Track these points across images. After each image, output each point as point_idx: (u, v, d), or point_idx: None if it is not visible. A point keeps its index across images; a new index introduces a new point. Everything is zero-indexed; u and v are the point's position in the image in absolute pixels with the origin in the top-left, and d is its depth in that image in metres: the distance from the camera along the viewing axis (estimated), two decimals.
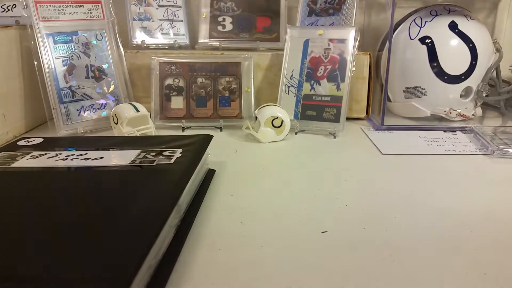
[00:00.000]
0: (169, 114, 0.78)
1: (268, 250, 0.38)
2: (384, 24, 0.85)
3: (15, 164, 0.46)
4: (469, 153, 0.63)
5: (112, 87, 0.79)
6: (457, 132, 0.74)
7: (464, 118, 0.78)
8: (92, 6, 0.77)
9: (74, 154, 0.49)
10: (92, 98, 0.76)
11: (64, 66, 0.73)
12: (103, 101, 0.78)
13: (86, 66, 0.76)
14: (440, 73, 0.74)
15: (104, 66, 0.78)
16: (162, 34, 0.89)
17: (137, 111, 0.70)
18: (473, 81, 0.75)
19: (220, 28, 0.89)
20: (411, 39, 0.76)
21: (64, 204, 0.37)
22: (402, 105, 0.81)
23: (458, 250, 0.38)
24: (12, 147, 0.53)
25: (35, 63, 0.71)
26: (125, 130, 0.69)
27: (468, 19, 0.75)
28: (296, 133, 0.74)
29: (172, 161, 0.47)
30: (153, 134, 0.71)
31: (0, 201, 0.38)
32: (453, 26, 0.74)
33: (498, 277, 0.34)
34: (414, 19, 0.77)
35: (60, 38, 0.73)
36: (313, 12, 0.85)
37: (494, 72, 0.79)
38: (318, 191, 0.51)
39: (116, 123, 0.70)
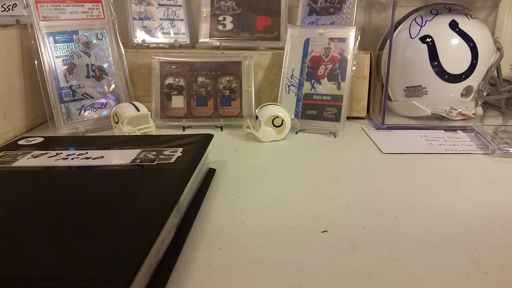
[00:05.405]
0: (170, 113, 0.78)
1: (269, 249, 0.38)
2: (385, 23, 0.85)
3: (15, 164, 0.46)
4: (470, 152, 0.63)
5: (113, 86, 0.79)
6: (457, 131, 0.74)
7: (464, 117, 0.78)
8: (93, 5, 0.77)
9: (74, 154, 0.49)
10: (92, 98, 0.76)
11: (64, 65, 0.73)
12: (103, 100, 0.78)
13: (87, 65, 0.76)
14: (441, 72, 0.74)
15: (104, 65, 0.78)
16: (163, 33, 0.89)
17: (138, 110, 0.70)
18: (474, 80, 0.75)
19: (220, 27, 0.89)
20: (411, 38, 0.76)
21: (64, 203, 0.37)
22: (403, 104, 0.81)
23: (458, 249, 0.38)
24: (13, 146, 0.53)
25: (36, 62, 0.71)
26: (126, 130, 0.69)
27: (468, 18, 0.75)
28: (296, 132, 0.74)
29: (172, 160, 0.47)
30: (154, 134, 0.71)
31: (0, 200, 0.38)
32: (453, 25, 0.74)
33: (498, 277, 0.34)
34: (415, 18, 0.77)
35: (61, 38, 0.73)
36: (313, 11, 0.85)
37: (495, 71, 0.79)
38: (319, 190, 0.51)
39: (117, 123, 0.70)
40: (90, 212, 0.35)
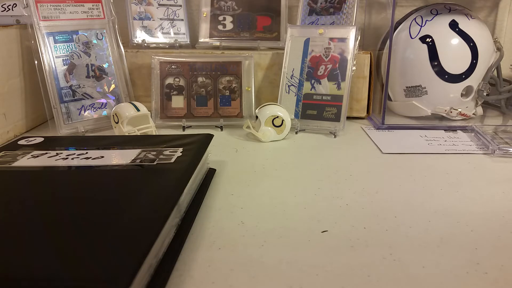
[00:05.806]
0: (170, 113, 0.78)
1: (268, 249, 0.38)
2: (385, 23, 0.85)
3: (15, 164, 0.46)
4: (470, 152, 0.63)
5: (113, 86, 0.79)
6: (457, 131, 0.74)
7: (464, 117, 0.78)
8: (93, 5, 0.77)
9: (74, 154, 0.49)
10: (92, 97, 0.76)
11: (64, 65, 0.73)
12: (103, 100, 0.78)
13: (87, 65, 0.76)
14: (441, 72, 0.74)
15: (104, 65, 0.78)
16: (163, 33, 0.89)
17: (138, 110, 0.70)
18: (474, 80, 0.75)
19: (220, 27, 0.89)
20: (411, 38, 0.76)
21: (64, 203, 0.37)
22: (403, 104, 0.81)
23: (458, 250, 0.38)
24: (13, 146, 0.53)
25: (36, 62, 0.71)
26: (126, 130, 0.69)
27: (468, 18, 0.75)
28: (296, 132, 0.74)
29: (172, 160, 0.47)
30: (154, 134, 0.71)
31: (0, 200, 0.38)
32: (453, 25, 0.74)
33: (498, 277, 0.34)
34: (415, 18, 0.77)
35: (61, 37, 0.73)
36: (313, 11, 0.85)
37: (495, 71, 0.79)
38: (319, 190, 0.51)
39: (117, 122, 0.70)
40: (90, 212, 0.35)
